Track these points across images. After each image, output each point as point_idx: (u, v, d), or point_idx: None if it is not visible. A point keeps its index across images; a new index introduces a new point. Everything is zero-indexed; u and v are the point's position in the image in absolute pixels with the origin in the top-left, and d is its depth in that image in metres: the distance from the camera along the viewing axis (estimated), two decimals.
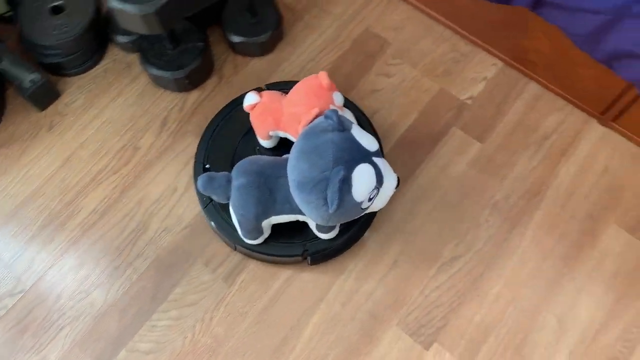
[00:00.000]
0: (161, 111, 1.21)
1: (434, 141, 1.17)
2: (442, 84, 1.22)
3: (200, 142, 1.09)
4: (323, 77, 0.92)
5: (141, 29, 1.02)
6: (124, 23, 1.03)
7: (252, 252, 1.04)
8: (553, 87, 1.19)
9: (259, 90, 1.03)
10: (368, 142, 0.83)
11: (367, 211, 0.87)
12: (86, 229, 1.11)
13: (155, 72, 1.18)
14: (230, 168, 1.01)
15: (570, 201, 1.12)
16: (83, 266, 1.08)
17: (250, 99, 0.99)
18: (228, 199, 0.92)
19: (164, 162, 1.16)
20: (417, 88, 1.22)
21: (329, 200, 0.80)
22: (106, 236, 1.10)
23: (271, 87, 1.11)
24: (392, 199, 0.97)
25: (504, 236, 1.09)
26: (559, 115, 1.19)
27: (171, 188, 1.14)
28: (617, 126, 1.15)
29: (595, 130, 1.18)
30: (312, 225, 0.99)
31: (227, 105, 1.12)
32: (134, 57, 1.26)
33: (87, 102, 1.22)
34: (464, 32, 1.24)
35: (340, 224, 1.01)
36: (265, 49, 1.24)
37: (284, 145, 1.04)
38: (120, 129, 1.19)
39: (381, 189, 0.85)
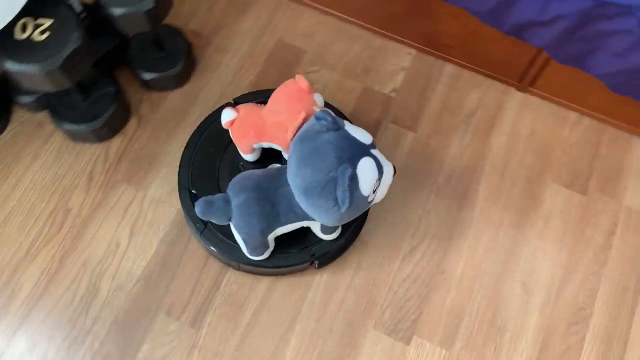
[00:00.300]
0: (85, 166, 1.15)
1: None
2: (364, 82, 1.23)
3: (180, 168, 1.05)
4: (301, 81, 0.91)
5: (47, 86, 0.96)
6: (26, 84, 0.96)
7: (257, 267, 1.01)
8: (469, 65, 1.22)
9: (233, 105, 1.01)
10: (362, 136, 0.83)
11: (371, 204, 0.87)
12: (31, 307, 1.03)
13: (70, 126, 1.12)
14: (216, 189, 0.99)
15: (507, 170, 1.16)
16: (36, 346, 1.00)
17: (228, 116, 0.96)
18: (229, 220, 0.89)
19: (100, 218, 1.10)
20: (342, 90, 1.22)
21: (340, 200, 0.79)
22: (55, 309, 1.03)
23: (240, 100, 1.09)
24: None
25: (454, 217, 1.12)
26: (479, 91, 1.23)
27: (114, 244, 1.08)
28: (534, 90, 1.21)
29: (515, 98, 1.23)
30: (316, 229, 0.98)
31: (199, 126, 1.09)
32: (43, 115, 1.18)
33: (1, 173, 1.14)
34: (373, 28, 1.26)
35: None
36: (180, 81, 1.20)
37: (267, 157, 1.03)
38: (44, 194, 1.12)
39: (382, 180, 0.84)
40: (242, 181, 0.89)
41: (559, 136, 1.19)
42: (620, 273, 1.08)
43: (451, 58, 1.23)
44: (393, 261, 1.08)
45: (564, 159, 1.17)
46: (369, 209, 1.02)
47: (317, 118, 0.82)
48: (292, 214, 0.88)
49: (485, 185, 1.14)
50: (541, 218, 1.12)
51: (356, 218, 0.96)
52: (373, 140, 0.84)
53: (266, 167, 0.96)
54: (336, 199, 0.80)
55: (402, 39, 1.24)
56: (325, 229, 0.97)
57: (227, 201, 0.87)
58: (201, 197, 0.89)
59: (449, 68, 1.25)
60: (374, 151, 0.83)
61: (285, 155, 1.00)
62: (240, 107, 0.98)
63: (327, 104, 1.05)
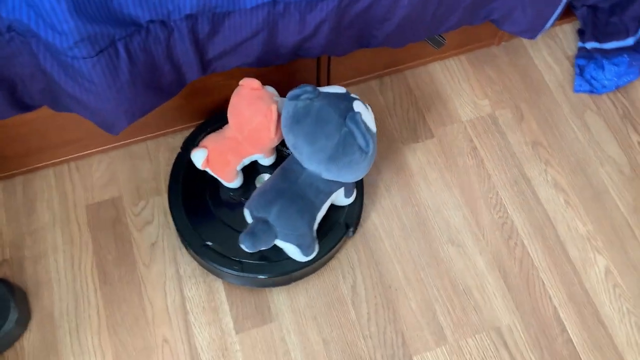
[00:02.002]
0: None
1: None
2: None
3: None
4: (250, 81, 0.93)
5: None
6: None
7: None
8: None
9: (195, 145, 1.00)
10: (337, 89, 0.89)
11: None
12: None
13: None
14: (224, 227, 1.00)
15: None
16: None
17: (200, 156, 0.96)
18: (276, 237, 0.90)
19: None
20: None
21: (363, 145, 0.84)
22: None
23: (187, 142, 1.08)
24: None
25: (364, 241, 1.11)
26: None
27: None
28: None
29: None
30: (340, 198, 0.98)
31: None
32: None
33: None
34: (165, 131, 1.17)
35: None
36: (20, 329, 1.02)
37: (249, 177, 1.05)
38: None
39: (368, 114, 0.89)
40: (263, 196, 0.90)
41: (379, 105, 1.23)
42: (503, 172, 1.16)
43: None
44: (346, 311, 1.04)
45: (393, 123, 1.22)
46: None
47: (297, 95, 0.85)
48: (322, 194, 0.92)
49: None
50: (420, 179, 1.16)
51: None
52: (345, 88, 0.90)
53: (248, 182, 1.02)
54: (360, 147, 0.84)
55: (198, 122, 1.18)
56: (348, 191, 0.99)
57: (265, 221, 0.89)
58: (214, 244, 0.95)
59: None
60: (352, 95, 0.89)
61: (264, 162, 1.04)
62: (206, 142, 0.97)
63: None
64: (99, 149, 1.16)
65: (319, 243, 1.00)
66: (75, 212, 1.12)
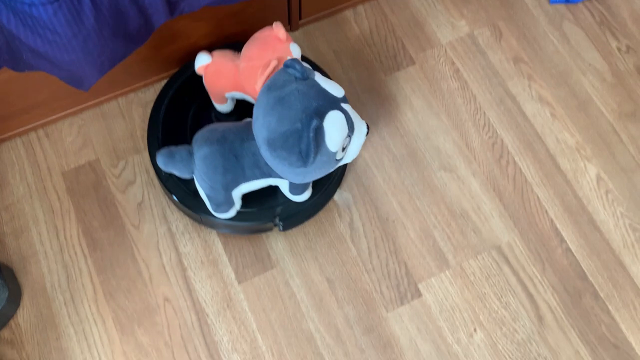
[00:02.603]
0: None
1: None
2: None
3: (149, 124, 1.00)
4: (278, 29, 0.88)
5: None
6: None
7: (219, 224, 0.97)
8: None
9: (209, 50, 0.96)
10: (333, 88, 0.78)
11: (340, 163, 0.81)
12: None
13: None
14: (187, 142, 0.92)
15: (350, 96, 1.14)
16: None
17: (201, 60, 0.93)
18: (192, 173, 0.85)
19: None
20: None
21: (303, 152, 0.75)
22: None
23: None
24: None
25: (358, 176, 1.09)
26: None
27: None
28: (306, 20, 1.17)
29: (297, 35, 1.19)
30: (285, 188, 0.92)
31: (170, 80, 1.04)
32: None
33: None
34: (133, 87, 1.11)
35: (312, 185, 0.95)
36: (13, 306, 0.97)
37: (241, 110, 1.01)
38: None
39: (353, 137, 0.79)
40: (207, 133, 0.85)
41: (356, 36, 1.19)
42: (488, 92, 1.15)
43: None
44: (347, 248, 1.03)
45: (373, 53, 1.18)
46: (343, 169, 0.99)
47: (286, 66, 0.77)
48: (258, 170, 0.85)
49: None
50: (405, 108, 1.13)
51: (328, 179, 0.96)
52: (344, 95, 0.79)
53: (241, 120, 0.90)
54: (300, 152, 0.75)
55: (168, 73, 1.12)
56: (294, 189, 0.92)
57: (191, 153, 0.84)
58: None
59: None
60: (345, 105, 0.78)
61: None
62: (216, 52, 0.94)
63: (303, 58, 1.01)
64: (68, 111, 1.09)
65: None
66: (51, 180, 1.06)
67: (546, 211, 1.06)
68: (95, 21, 0.77)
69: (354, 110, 0.80)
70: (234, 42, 1.05)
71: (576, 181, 1.09)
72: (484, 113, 1.13)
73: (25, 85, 0.97)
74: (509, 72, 1.16)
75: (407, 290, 1.00)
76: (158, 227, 1.04)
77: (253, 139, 0.82)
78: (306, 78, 0.77)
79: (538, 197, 1.07)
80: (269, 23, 1.07)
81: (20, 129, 1.08)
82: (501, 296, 1.00)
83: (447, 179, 1.08)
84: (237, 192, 0.89)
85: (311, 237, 1.04)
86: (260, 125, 0.77)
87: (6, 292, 0.93)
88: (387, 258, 1.03)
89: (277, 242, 1.03)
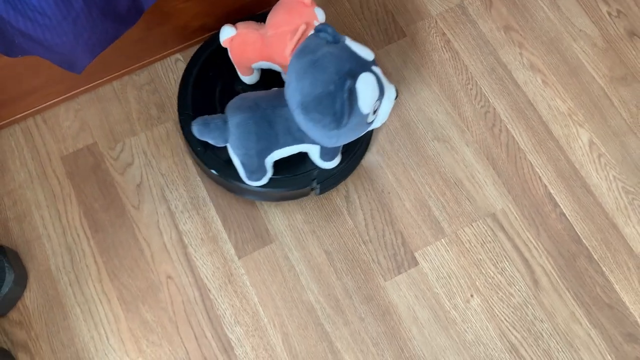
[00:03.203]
0: None
1: None
2: (168, 119, 1.11)
3: (179, 94, 1.03)
4: None
5: None
6: None
7: (256, 192, 0.99)
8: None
9: (233, 22, 0.97)
10: (364, 52, 0.80)
11: (370, 127, 0.84)
12: None
13: None
14: (215, 113, 0.93)
15: None
16: None
17: (227, 33, 0.94)
18: (226, 141, 0.88)
19: None
20: (160, 143, 1.10)
21: (337, 114, 0.76)
22: None
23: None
24: None
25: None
26: None
27: None
28: None
29: None
30: (315, 155, 0.94)
31: (197, 52, 1.05)
32: None
33: None
34: (125, 71, 1.12)
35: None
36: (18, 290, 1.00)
37: (267, 80, 1.03)
38: None
39: (383, 100, 0.81)
40: (239, 101, 0.87)
41: (348, 11, 1.19)
42: (479, 61, 1.15)
43: (213, 31, 1.14)
44: (344, 221, 1.05)
45: (364, 27, 1.18)
46: (371, 134, 1.02)
47: (317, 30, 0.79)
48: (290, 136, 0.87)
49: None
50: (397, 80, 1.14)
51: (357, 144, 0.99)
52: (375, 58, 0.81)
53: (268, 89, 0.93)
54: (334, 114, 0.77)
55: (161, 55, 1.13)
56: (325, 154, 0.94)
57: (225, 121, 0.86)
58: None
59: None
60: (375, 68, 0.80)
61: (284, 77, 0.96)
62: (239, 24, 0.95)
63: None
64: (63, 96, 1.10)
65: None
66: (51, 165, 1.08)
67: (539, 177, 1.08)
68: (83, 2, 0.78)
69: (383, 74, 0.82)
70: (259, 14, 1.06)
71: (569, 147, 1.10)
72: (476, 83, 1.14)
73: (20, 71, 0.99)
74: (499, 40, 1.17)
75: (404, 259, 1.02)
76: (157, 206, 1.05)
77: (285, 105, 0.83)
78: (338, 41, 0.79)
79: (531, 164, 1.09)
80: (258, 1, 1.08)
81: (18, 116, 1.09)
82: (497, 262, 1.02)
83: (441, 149, 1.10)
84: (270, 159, 0.92)
85: (308, 210, 1.05)
86: (294, 89, 0.79)
87: (12, 275, 0.96)
88: (383, 229, 1.05)
89: (275, 217, 1.05)
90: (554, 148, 1.10)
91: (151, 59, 1.13)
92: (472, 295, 1.00)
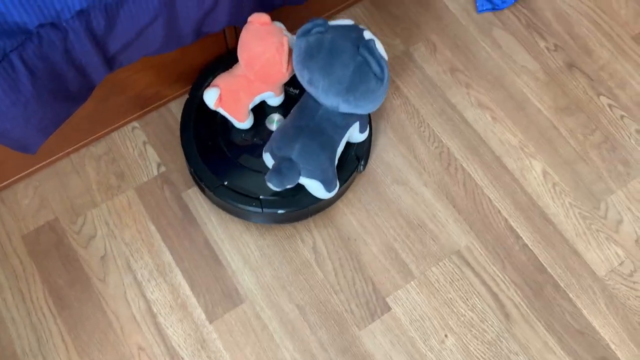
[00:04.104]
0: None
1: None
2: (129, 187, 1.12)
3: (195, 173, 1.03)
4: (260, 16, 0.92)
5: None
6: None
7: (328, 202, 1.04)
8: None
9: (207, 85, 1.01)
10: (346, 21, 0.91)
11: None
12: None
13: None
14: (240, 167, 1.01)
15: None
16: None
17: (212, 96, 0.96)
18: (299, 174, 0.92)
19: None
20: (124, 213, 1.09)
21: (377, 72, 0.86)
22: None
23: (196, 84, 1.08)
24: None
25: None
26: None
27: None
28: None
29: None
30: (355, 134, 1.00)
31: (184, 126, 1.06)
32: None
33: None
34: (83, 144, 1.12)
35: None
36: None
37: (258, 119, 1.06)
38: None
39: (377, 42, 0.90)
40: (284, 135, 0.92)
41: None
42: (429, 104, 1.19)
43: (168, 97, 1.16)
44: (313, 272, 1.05)
45: None
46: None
47: (307, 29, 0.85)
48: (339, 129, 0.94)
49: None
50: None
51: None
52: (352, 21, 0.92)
53: (264, 124, 1.04)
54: (375, 74, 0.86)
55: (118, 124, 1.14)
56: (362, 125, 1.00)
57: (288, 159, 0.91)
58: (231, 184, 0.96)
59: (174, 105, 1.19)
60: (360, 26, 0.91)
61: (273, 102, 1.04)
62: (216, 81, 0.97)
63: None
64: (22, 174, 1.10)
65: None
66: (11, 245, 1.07)
67: (499, 211, 1.10)
68: (32, 87, 0.79)
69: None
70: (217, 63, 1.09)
71: (524, 178, 1.13)
72: (428, 125, 1.17)
73: None
74: (447, 82, 1.21)
75: (377, 306, 1.03)
76: (123, 277, 1.04)
77: (319, 109, 0.92)
78: (328, 27, 0.88)
79: (489, 199, 1.11)
80: (210, 59, 1.10)
81: None
82: (467, 299, 1.03)
83: (401, 192, 1.12)
84: (336, 160, 0.96)
85: (276, 265, 1.06)
86: (328, 84, 0.87)
87: None
88: (353, 277, 1.05)
89: (244, 276, 1.04)
90: (510, 181, 1.13)
91: (108, 129, 1.14)
92: (446, 336, 1.01)
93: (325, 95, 0.89)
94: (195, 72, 1.13)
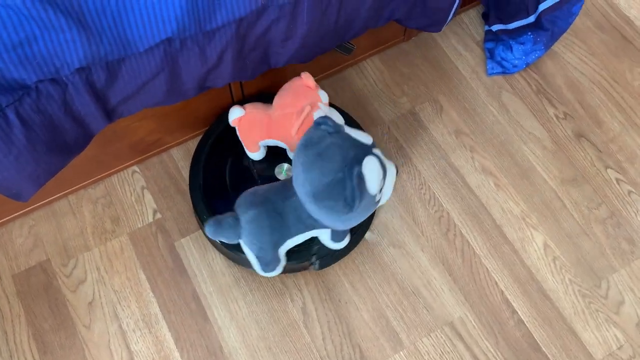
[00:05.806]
0: None
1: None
2: (123, 232, 1.11)
3: (190, 183, 1.05)
4: (307, 78, 0.97)
5: None
6: None
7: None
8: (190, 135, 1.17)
9: (241, 103, 1.02)
10: (363, 137, 0.85)
11: (378, 205, 0.87)
12: None
13: None
14: (230, 197, 0.97)
15: None
16: None
17: (236, 113, 0.99)
18: (239, 237, 0.90)
19: None
20: (115, 258, 1.09)
21: (349, 199, 0.81)
22: None
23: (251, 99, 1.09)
24: None
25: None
26: None
27: None
28: None
29: None
30: (326, 238, 0.96)
31: (203, 138, 1.09)
32: None
33: None
34: (80, 185, 1.13)
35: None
36: None
37: (272, 156, 1.07)
38: None
39: (386, 178, 0.86)
40: (249, 197, 0.90)
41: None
42: (432, 166, 1.17)
43: (170, 144, 1.16)
44: (300, 335, 1.03)
45: None
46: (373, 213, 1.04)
47: (318, 124, 0.83)
48: (302, 224, 0.90)
49: None
50: None
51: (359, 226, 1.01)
52: (373, 141, 0.86)
53: (273, 164, 1.05)
54: (346, 199, 0.81)
55: (117, 168, 1.14)
56: (335, 236, 0.96)
57: (236, 219, 0.88)
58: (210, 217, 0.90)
59: (175, 151, 1.19)
60: (375, 150, 0.85)
61: (290, 154, 1.03)
62: (248, 105, 1.00)
63: (330, 104, 1.06)
64: (18, 213, 1.10)
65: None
66: (1, 284, 1.06)
67: (496, 283, 1.08)
68: (26, 140, 0.79)
69: (382, 154, 0.87)
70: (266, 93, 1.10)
71: (524, 250, 1.10)
72: (429, 187, 1.16)
73: None
74: (451, 145, 1.19)
75: None
76: (109, 325, 1.03)
77: (293, 195, 0.88)
78: (338, 131, 0.84)
79: (487, 269, 1.09)
80: (212, 113, 1.10)
81: None
82: None
83: (397, 255, 1.10)
84: (283, 249, 0.94)
85: (264, 325, 1.04)
86: (303, 180, 0.83)
87: None
88: (341, 342, 1.03)
89: (230, 334, 1.03)
90: (509, 252, 1.10)
91: (107, 173, 1.14)
92: None
93: (297, 188, 0.87)
94: (198, 124, 1.13)
